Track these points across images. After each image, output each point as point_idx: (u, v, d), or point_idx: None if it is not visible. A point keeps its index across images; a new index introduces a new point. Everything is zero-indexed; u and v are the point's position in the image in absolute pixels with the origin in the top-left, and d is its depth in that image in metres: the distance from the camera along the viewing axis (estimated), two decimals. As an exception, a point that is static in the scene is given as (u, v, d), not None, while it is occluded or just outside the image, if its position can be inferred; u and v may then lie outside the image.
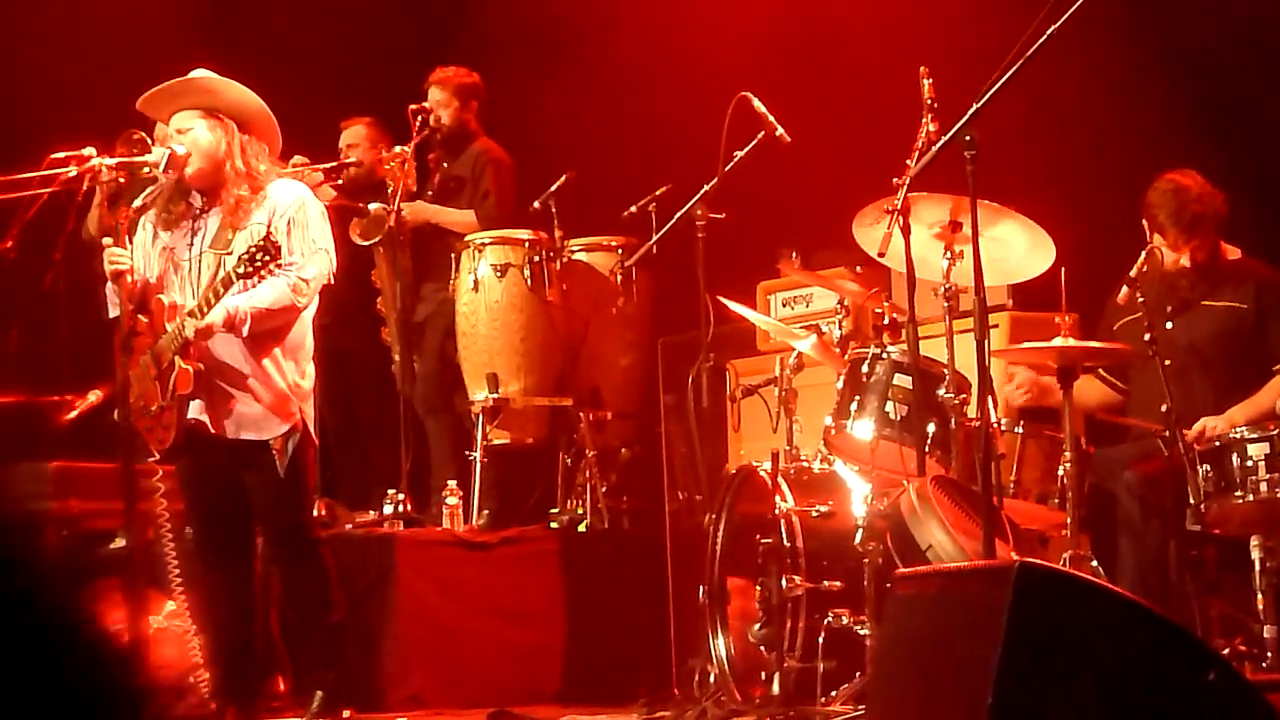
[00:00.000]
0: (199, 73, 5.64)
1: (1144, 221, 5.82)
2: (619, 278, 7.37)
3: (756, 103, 6.09)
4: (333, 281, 5.64)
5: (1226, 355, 5.80)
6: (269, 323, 5.44)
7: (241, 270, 5.21)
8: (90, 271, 6.62)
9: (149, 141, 6.30)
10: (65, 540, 6.90)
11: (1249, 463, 5.15)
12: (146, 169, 5.51)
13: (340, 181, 7.61)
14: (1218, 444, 5.24)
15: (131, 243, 5.60)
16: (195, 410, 5.44)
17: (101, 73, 8.29)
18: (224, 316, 5.36)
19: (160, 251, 5.61)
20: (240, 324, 5.39)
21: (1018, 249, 5.41)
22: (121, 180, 5.42)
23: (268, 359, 5.50)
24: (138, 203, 5.62)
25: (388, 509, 7.13)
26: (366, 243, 7.41)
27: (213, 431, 5.45)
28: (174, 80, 5.61)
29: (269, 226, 5.45)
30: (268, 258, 5.20)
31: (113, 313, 5.67)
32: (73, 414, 7.03)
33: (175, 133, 5.55)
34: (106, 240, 5.51)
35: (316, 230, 5.54)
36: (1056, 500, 5.45)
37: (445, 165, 7.76)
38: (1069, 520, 5.22)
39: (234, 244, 5.47)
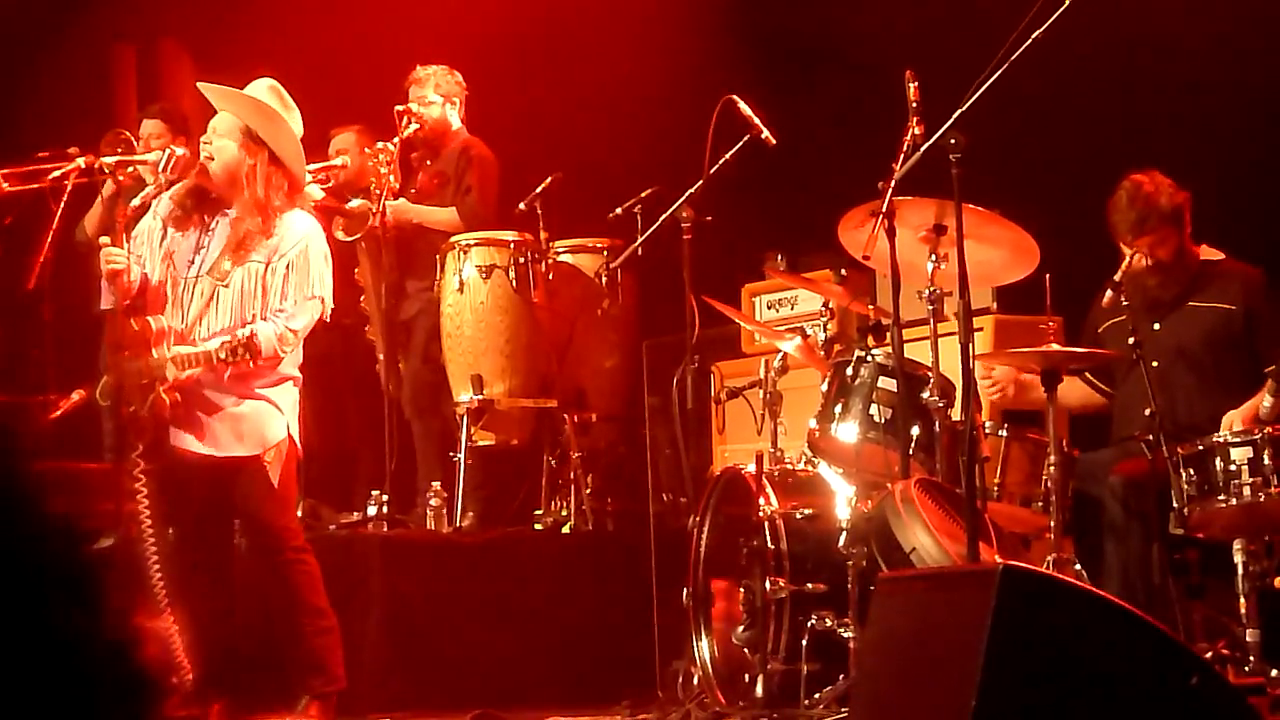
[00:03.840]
0: (264, 83, 5.58)
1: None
2: (604, 279, 7.37)
3: (742, 105, 6.09)
4: (327, 319, 5.63)
5: (1215, 357, 5.80)
6: (249, 366, 5.41)
7: (224, 356, 5.25)
8: (77, 271, 6.61)
9: (134, 141, 6.30)
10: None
11: (1232, 466, 5.15)
12: (146, 167, 5.49)
13: (330, 184, 7.58)
14: (1200, 447, 5.25)
15: (129, 240, 5.57)
16: (178, 433, 5.44)
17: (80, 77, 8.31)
18: (205, 365, 5.36)
19: (163, 257, 5.58)
20: (221, 370, 5.38)
21: (1002, 252, 5.41)
22: (121, 179, 5.40)
23: (253, 377, 5.47)
24: (135, 202, 5.60)
25: (371, 510, 7.11)
26: (349, 239, 7.38)
27: (197, 451, 5.44)
28: (246, 89, 5.54)
29: (267, 266, 5.43)
30: (247, 355, 5.24)
31: (104, 305, 5.65)
32: (57, 414, 7.01)
33: (212, 130, 5.52)
34: (104, 239, 5.49)
35: (315, 276, 5.50)
36: (1040, 503, 5.46)
37: (428, 163, 7.74)
38: (1053, 524, 5.22)
39: (230, 276, 5.46)
